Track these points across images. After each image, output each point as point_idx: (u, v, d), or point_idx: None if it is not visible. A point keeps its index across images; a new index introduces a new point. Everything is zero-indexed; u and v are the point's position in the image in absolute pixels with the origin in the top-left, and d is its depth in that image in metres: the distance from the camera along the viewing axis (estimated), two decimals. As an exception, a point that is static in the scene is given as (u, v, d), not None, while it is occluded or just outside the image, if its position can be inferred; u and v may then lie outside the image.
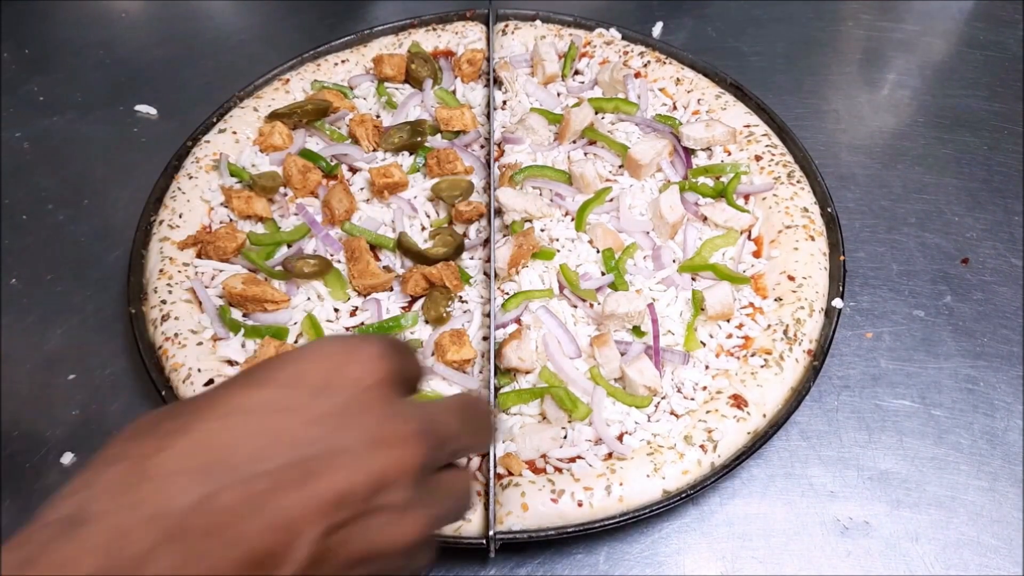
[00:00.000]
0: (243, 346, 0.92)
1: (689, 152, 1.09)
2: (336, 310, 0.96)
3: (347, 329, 0.93)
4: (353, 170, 1.09)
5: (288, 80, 1.19)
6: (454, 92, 1.19)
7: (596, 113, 1.13)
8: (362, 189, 1.07)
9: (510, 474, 0.81)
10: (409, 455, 0.46)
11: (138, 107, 1.28)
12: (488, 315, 0.91)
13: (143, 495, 0.40)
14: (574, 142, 1.11)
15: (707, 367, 0.89)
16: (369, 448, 0.44)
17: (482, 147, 1.12)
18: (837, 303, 0.93)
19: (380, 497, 0.45)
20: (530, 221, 1.01)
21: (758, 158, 1.07)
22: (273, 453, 0.42)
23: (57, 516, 0.40)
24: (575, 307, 0.94)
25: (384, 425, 0.46)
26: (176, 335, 0.90)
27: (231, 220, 1.03)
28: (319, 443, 0.43)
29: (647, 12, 1.39)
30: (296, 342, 0.92)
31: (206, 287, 0.96)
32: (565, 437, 0.84)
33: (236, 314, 0.94)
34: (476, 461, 0.83)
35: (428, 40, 1.25)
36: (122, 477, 0.41)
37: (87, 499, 0.40)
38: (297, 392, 0.45)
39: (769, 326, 0.91)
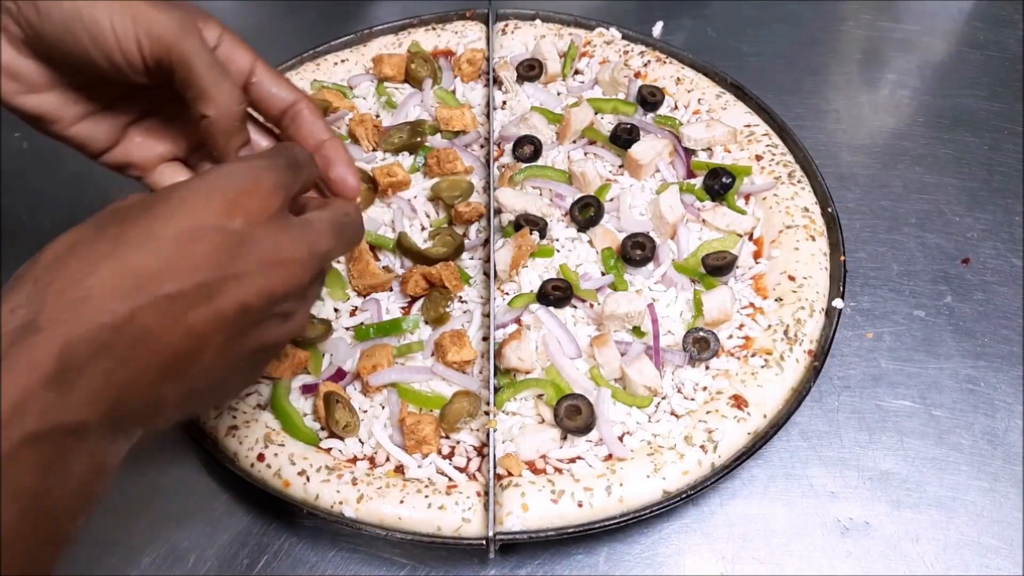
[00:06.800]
0: (242, 346, 0.91)
1: (689, 152, 1.09)
2: (336, 310, 0.96)
3: (347, 329, 0.93)
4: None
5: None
6: (454, 92, 1.19)
7: (596, 113, 1.13)
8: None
9: (510, 475, 0.80)
10: (296, 275, 0.57)
11: (137, 107, 1.27)
12: (488, 315, 0.91)
13: (85, 311, 0.48)
14: (574, 142, 1.11)
15: (707, 367, 0.89)
16: (264, 271, 0.54)
17: (482, 147, 1.12)
18: (837, 303, 0.93)
19: (274, 308, 0.56)
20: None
21: (758, 158, 1.07)
22: (185, 276, 0.51)
23: (14, 325, 0.48)
24: (575, 307, 0.94)
25: (276, 251, 0.55)
26: None
27: (230, 220, 1.03)
28: (223, 268, 0.52)
29: (647, 12, 1.39)
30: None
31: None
32: (565, 438, 0.84)
33: (235, 314, 0.93)
34: (476, 462, 0.83)
35: (428, 40, 1.25)
36: (65, 295, 0.49)
37: (38, 312, 0.48)
38: (204, 221, 0.53)
39: (769, 326, 0.91)
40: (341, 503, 0.78)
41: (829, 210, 1.01)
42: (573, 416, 0.82)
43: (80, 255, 0.51)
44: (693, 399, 0.86)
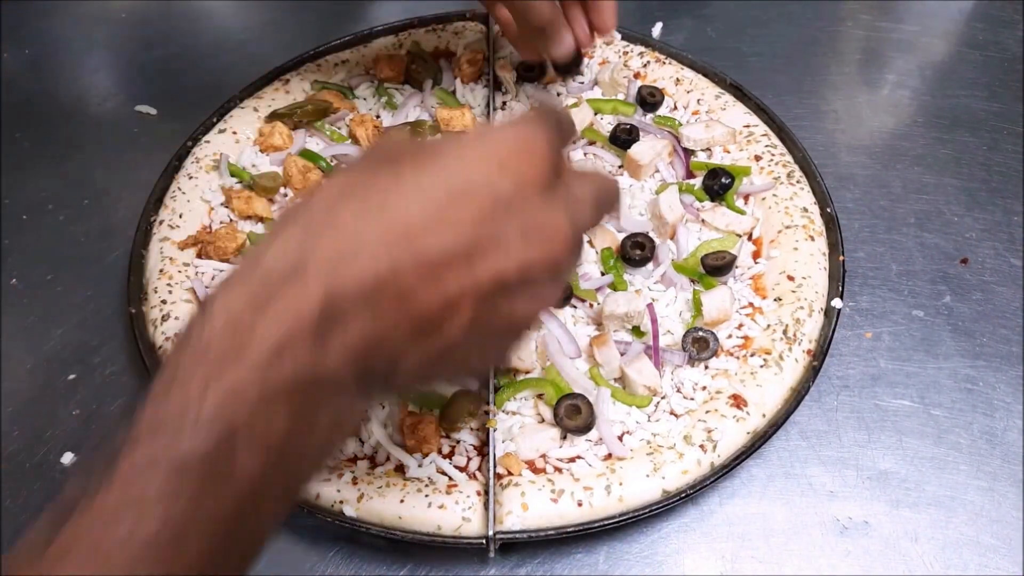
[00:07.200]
0: (243, 346, 0.92)
1: (689, 153, 1.09)
2: (336, 310, 0.96)
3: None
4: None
5: (288, 80, 1.19)
6: (454, 93, 1.19)
7: (595, 114, 1.13)
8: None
9: (510, 474, 0.81)
10: (555, 248, 0.54)
11: (138, 107, 1.28)
12: (488, 315, 0.91)
13: (352, 264, 0.49)
14: (574, 142, 1.11)
15: (706, 367, 0.89)
16: (525, 239, 0.52)
17: (482, 147, 1.12)
18: (836, 303, 0.93)
19: (527, 282, 0.53)
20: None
21: (758, 158, 1.08)
22: (450, 237, 0.50)
23: (282, 269, 0.49)
24: (575, 307, 0.94)
25: (539, 219, 0.53)
26: (176, 335, 0.90)
27: (231, 220, 1.03)
28: (486, 231, 0.51)
29: (647, 12, 1.39)
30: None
31: (206, 287, 0.96)
32: (564, 437, 0.84)
33: (236, 314, 0.94)
34: (476, 461, 0.83)
35: (428, 40, 1.25)
36: (334, 246, 0.50)
37: (304, 260, 0.49)
38: (476, 179, 0.52)
39: (769, 326, 0.91)
40: (341, 502, 0.78)
41: (828, 210, 1.01)
42: (573, 416, 0.82)
43: (352, 205, 0.51)
44: (692, 399, 0.87)
